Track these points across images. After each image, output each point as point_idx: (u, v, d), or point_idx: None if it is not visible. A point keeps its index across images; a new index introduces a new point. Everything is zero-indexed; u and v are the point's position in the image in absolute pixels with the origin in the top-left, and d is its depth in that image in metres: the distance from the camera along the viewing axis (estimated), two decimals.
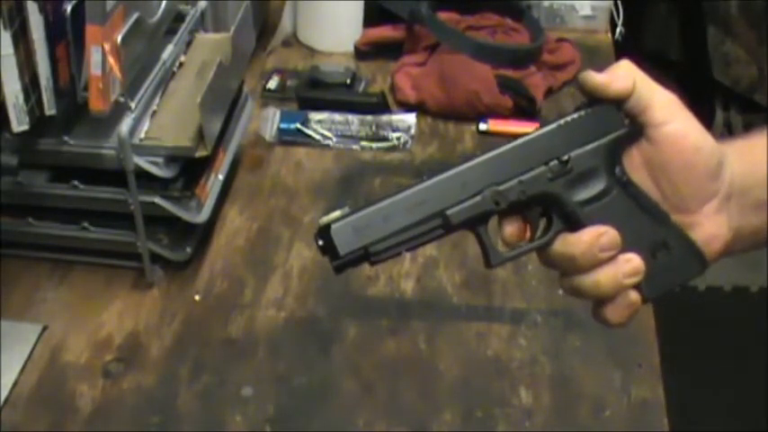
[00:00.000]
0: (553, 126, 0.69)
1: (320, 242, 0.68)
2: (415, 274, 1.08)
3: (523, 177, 0.68)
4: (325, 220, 0.67)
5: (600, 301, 0.68)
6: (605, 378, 0.96)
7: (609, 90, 0.68)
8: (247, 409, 0.94)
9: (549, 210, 0.69)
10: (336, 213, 0.67)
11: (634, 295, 0.68)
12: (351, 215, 0.67)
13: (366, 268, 1.07)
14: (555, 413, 0.93)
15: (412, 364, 0.98)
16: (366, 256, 0.68)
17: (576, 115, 0.69)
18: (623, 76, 0.68)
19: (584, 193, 0.68)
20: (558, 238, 0.68)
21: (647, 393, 0.94)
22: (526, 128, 1.06)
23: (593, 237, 0.67)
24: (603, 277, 0.67)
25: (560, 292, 0.93)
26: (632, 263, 0.67)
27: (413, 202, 0.68)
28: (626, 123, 0.68)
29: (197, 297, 1.06)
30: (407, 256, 1.10)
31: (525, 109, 1.32)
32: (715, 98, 2.25)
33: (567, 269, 0.68)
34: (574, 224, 0.68)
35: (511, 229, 0.69)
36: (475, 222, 0.68)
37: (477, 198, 0.68)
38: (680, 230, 0.68)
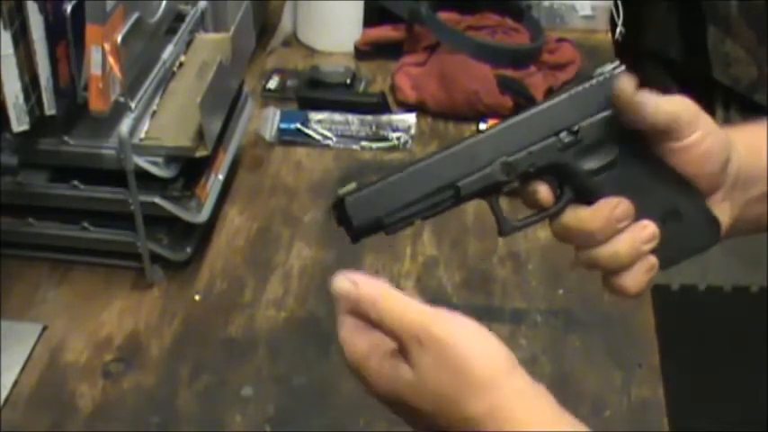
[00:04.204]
0: (563, 96, 0.69)
1: (335, 214, 0.69)
2: (415, 274, 1.08)
3: (533, 148, 0.69)
4: (340, 192, 0.69)
5: (615, 270, 0.68)
6: (605, 378, 0.96)
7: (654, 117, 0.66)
8: (247, 409, 0.94)
9: (560, 180, 0.69)
10: (351, 186, 0.69)
11: (653, 259, 0.68)
12: (365, 188, 0.69)
13: (366, 268, 1.08)
14: None
15: None
16: (380, 226, 0.69)
17: (586, 85, 0.69)
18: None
19: (594, 163, 0.69)
20: (571, 211, 0.68)
21: (647, 393, 0.94)
22: None
23: (609, 209, 0.67)
24: (622, 246, 0.67)
25: (560, 291, 0.93)
26: (648, 229, 0.67)
27: (424, 174, 0.69)
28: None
29: (197, 297, 1.06)
30: (407, 255, 1.10)
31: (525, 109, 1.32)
32: (715, 98, 2.25)
33: (584, 243, 0.68)
34: (584, 194, 0.68)
35: (545, 191, 0.69)
36: (486, 193, 0.69)
37: (488, 169, 0.68)
38: (693, 197, 0.68)
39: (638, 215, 0.68)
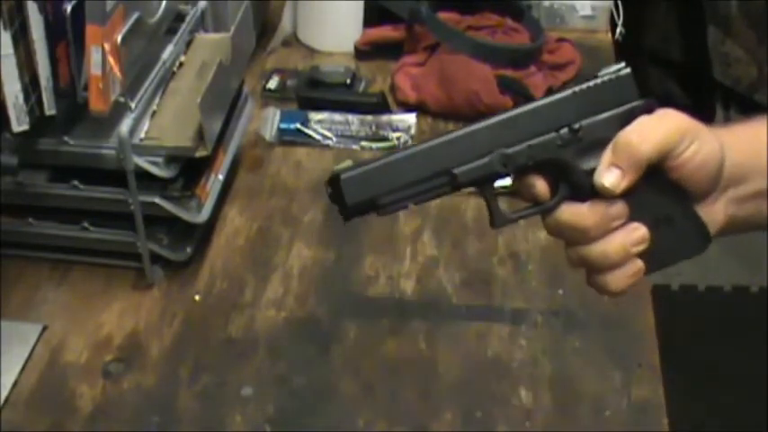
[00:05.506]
0: (567, 93, 0.69)
1: (329, 191, 0.69)
2: (415, 274, 1.08)
3: (533, 142, 0.69)
4: (336, 169, 0.69)
5: (603, 270, 0.69)
6: (605, 378, 0.96)
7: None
8: (247, 409, 0.94)
9: (557, 176, 0.69)
10: (347, 163, 0.69)
11: (640, 263, 0.69)
12: (361, 167, 0.69)
13: (366, 268, 1.08)
14: (555, 413, 0.93)
15: (412, 364, 0.98)
16: (373, 207, 0.69)
17: (591, 84, 0.69)
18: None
19: (592, 162, 0.69)
20: (566, 207, 0.68)
21: (647, 393, 0.94)
22: None
23: (604, 207, 0.68)
24: (612, 246, 0.68)
25: (560, 291, 0.94)
26: (639, 231, 0.68)
27: (422, 157, 0.69)
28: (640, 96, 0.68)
29: (197, 297, 1.06)
30: (407, 255, 1.10)
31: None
32: (715, 98, 2.25)
33: (576, 240, 0.69)
34: (580, 192, 0.68)
35: (542, 185, 0.70)
36: (481, 182, 0.69)
37: (486, 159, 0.68)
38: (686, 205, 0.69)
39: (630, 218, 0.68)
